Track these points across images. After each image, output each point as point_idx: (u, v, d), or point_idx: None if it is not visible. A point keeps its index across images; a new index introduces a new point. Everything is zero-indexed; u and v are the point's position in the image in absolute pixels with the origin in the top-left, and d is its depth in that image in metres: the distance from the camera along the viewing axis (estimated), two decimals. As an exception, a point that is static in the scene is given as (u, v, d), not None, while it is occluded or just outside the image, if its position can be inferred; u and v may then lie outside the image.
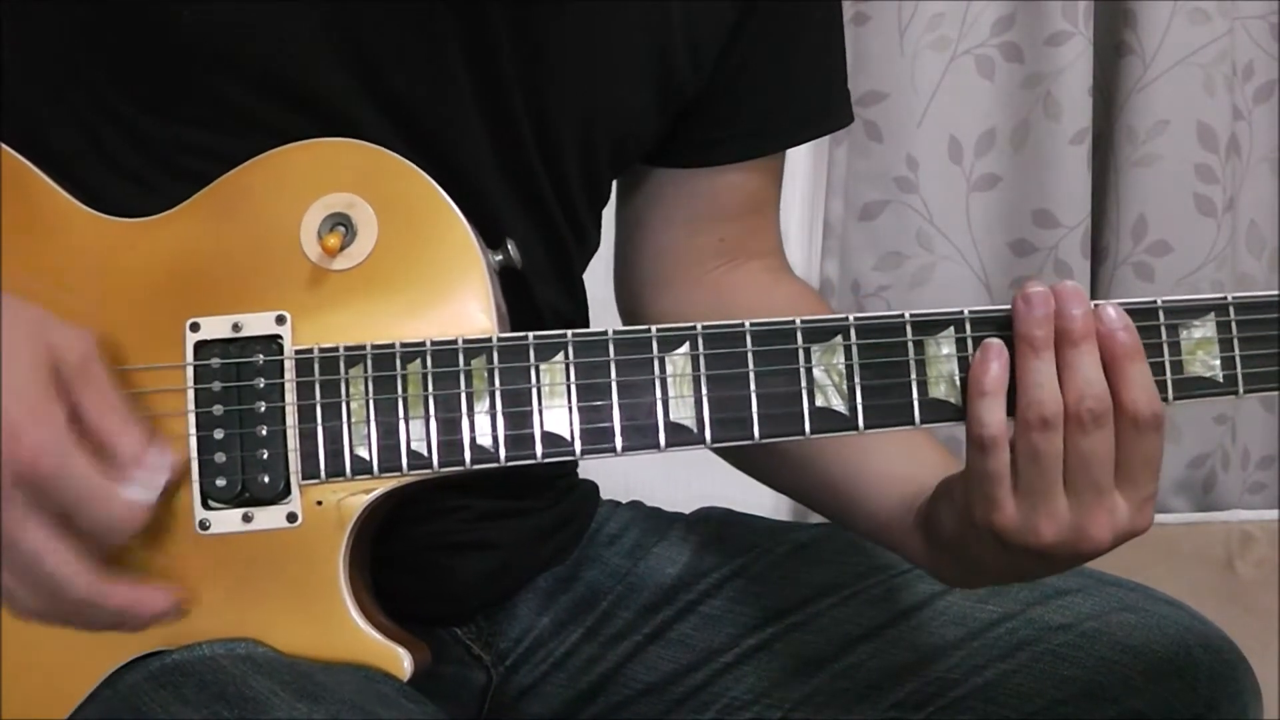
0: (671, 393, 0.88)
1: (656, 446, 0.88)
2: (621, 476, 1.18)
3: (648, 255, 1.17)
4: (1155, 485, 0.88)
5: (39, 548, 0.80)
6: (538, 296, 1.04)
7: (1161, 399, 0.88)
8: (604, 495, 1.21)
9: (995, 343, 0.87)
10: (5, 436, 0.78)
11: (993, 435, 0.86)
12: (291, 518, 0.88)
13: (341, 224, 0.90)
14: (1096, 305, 0.87)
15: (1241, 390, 0.90)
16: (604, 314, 1.18)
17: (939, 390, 0.89)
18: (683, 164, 1.13)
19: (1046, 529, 0.87)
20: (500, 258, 0.94)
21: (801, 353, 0.88)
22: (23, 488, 0.79)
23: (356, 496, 0.89)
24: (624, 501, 1.21)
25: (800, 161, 1.87)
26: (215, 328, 0.89)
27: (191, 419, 0.88)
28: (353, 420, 0.88)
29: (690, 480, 1.33)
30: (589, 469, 1.17)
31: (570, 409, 0.88)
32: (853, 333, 0.89)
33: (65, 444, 0.79)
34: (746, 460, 1.13)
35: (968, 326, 0.89)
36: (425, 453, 0.88)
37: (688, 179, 1.14)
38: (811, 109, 1.16)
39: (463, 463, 0.88)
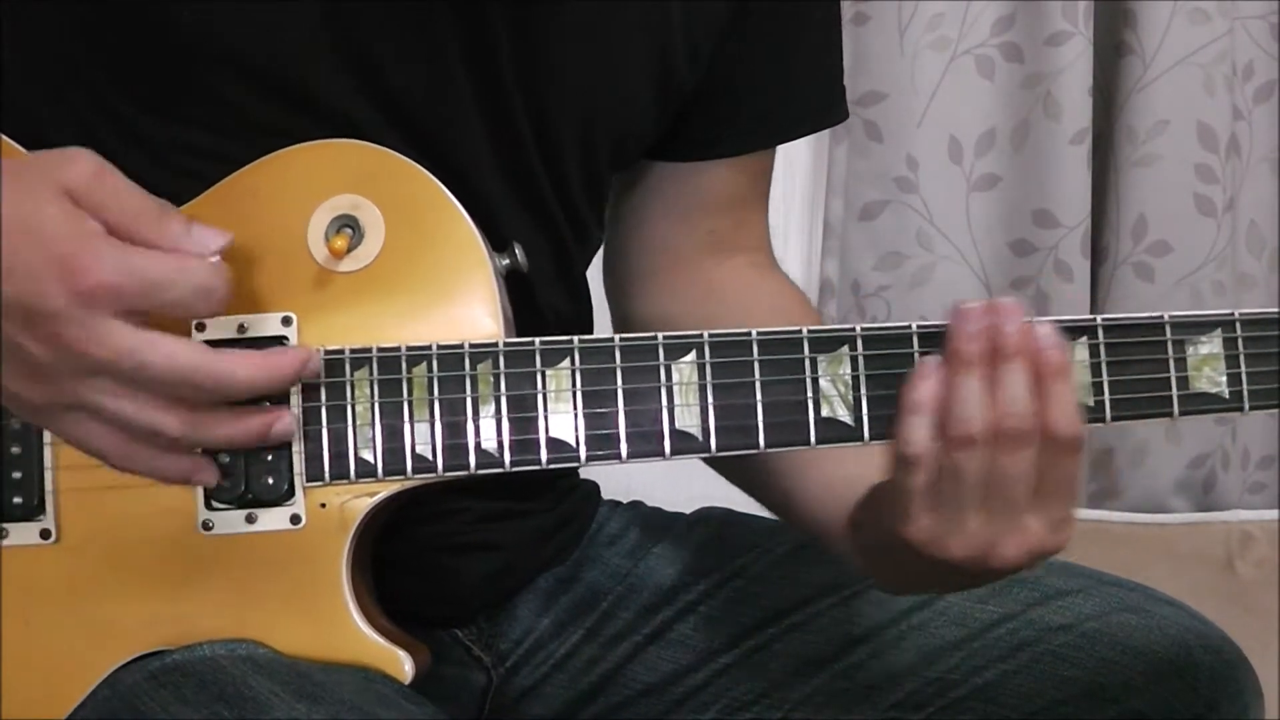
0: (677, 400, 0.88)
1: (661, 454, 0.88)
2: (622, 477, 1.19)
3: (636, 247, 1.17)
4: (1072, 507, 0.87)
5: (142, 349, 0.79)
6: (539, 297, 1.03)
7: (1167, 415, 0.88)
8: (604, 496, 1.21)
9: (932, 361, 0.86)
10: (61, 271, 0.78)
11: (916, 454, 0.85)
12: (295, 519, 0.89)
13: (348, 226, 0.90)
14: (1030, 322, 0.86)
15: (1247, 407, 0.89)
16: (607, 313, 1.19)
17: (945, 399, 0.89)
18: (677, 158, 1.13)
19: (956, 545, 0.86)
20: (506, 261, 0.94)
21: (808, 362, 0.88)
22: (98, 309, 0.78)
23: (360, 499, 0.89)
24: (624, 502, 1.21)
25: (800, 161, 1.87)
26: (221, 328, 0.88)
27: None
28: (358, 423, 0.88)
29: (690, 480, 1.32)
30: (590, 470, 1.17)
31: (576, 415, 0.88)
32: (859, 343, 0.88)
33: (116, 249, 0.79)
34: None
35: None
36: (430, 456, 0.88)
37: (680, 172, 1.14)
38: (808, 106, 1.16)
39: (467, 467, 0.88)
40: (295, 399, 0.88)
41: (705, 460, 1.03)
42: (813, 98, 1.15)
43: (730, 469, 1.09)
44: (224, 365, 0.81)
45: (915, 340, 0.88)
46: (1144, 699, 1.02)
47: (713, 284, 1.15)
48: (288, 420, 0.86)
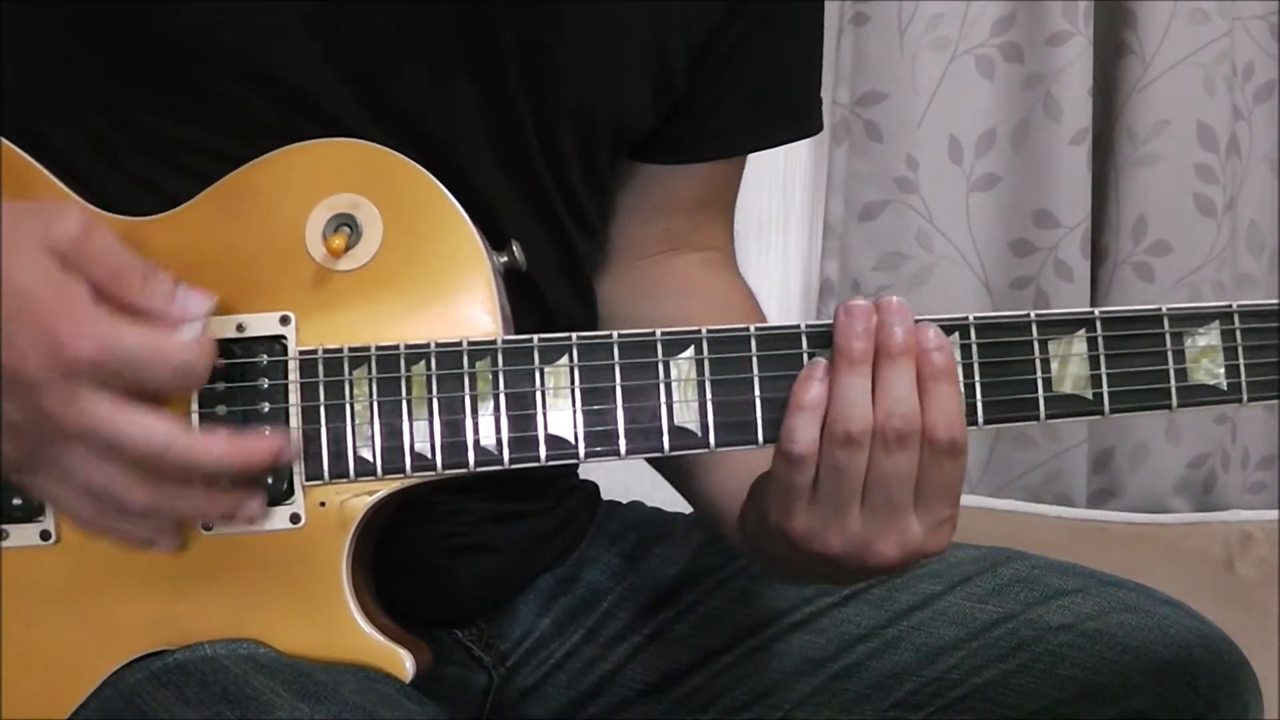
0: (675, 396, 0.88)
1: (660, 450, 0.88)
2: (622, 477, 1.18)
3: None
4: (953, 510, 0.88)
5: (119, 424, 0.79)
6: (546, 295, 1.04)
7: (1165, 407, 0.88)
8: (604, 496, 1.21)
9: (823, 362, 0.86)
10: (44, 339, 0.78)
11: (800, 453, 0.86)
12: (295, 518, 0.89)
13: (346, 225, 0.90)
14: (918, 322, 0.86)
15: (1245, 399, 0.89)
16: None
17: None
18: (649, 160, 1.13)
19: (835, 541, 0.87)
20: (505, 259, 0.94)
21: (806, 357, 0.88)
22: (80, 380, 0.78)
23: (360, 498, 0.89)
24: (624, 502, 1.21)
25: (800, 161, 1.87)
26: (219, 328, 0.88)
27: (195, 419, 0.88)
28: (356, 421, 0.88)
29: (690, 481, 1.33)
30: (589, 470, 1.17)
31: (574, 412, 0.88)
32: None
33: (100, 319, 0.79)
34: None
35: (973, 333, 0.89)
36: (429, 454, 0.88)
37: (649, 173, 1.14)
38: (783, 117, 1.16)
39: (466, 465, 0.88)
40: (294, 397, 0.88)
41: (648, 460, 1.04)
42: (786, 107, 1.16)
43: (660, 465, 1.10)
44: (198, 446, 0.82)
45: (913, 335, 0.89)
46: (1144, 699, 1.02)
47: (657, 280, 1.15)
48: (255, 506, 0.86)
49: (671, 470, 1.09)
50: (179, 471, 0.82)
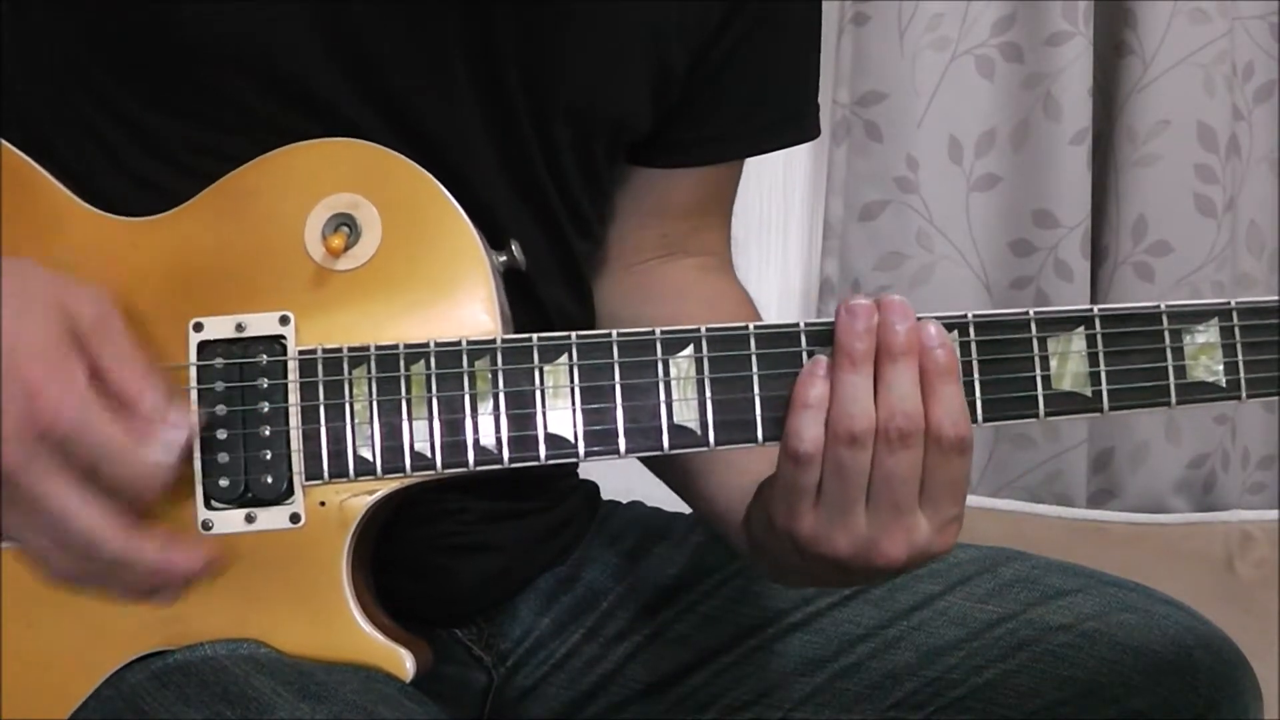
0: (675, 395, 0.88)
1: (660, 449, 0.88)
2: (622, 477, 1.18)
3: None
4: (959, 508, 0.88)
5: (66, 505, 0.80)
6: (544, 296, 1.04)
7: (1164, 404, 0.88)
8: (604, 496, 1.21)
9: (824, 359, 0.86)
10: (26, 395, 0.78)
11: (807, 451, 0.85)
12: (294, 518, 0.88)
13: (345, 224, 0.90)
14: (920, 319, 0.86)
15: (1244, 395, 0.89)
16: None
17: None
18: (646, 163, 1.13)
19: (841, 542, 0.86)
20: (504, 258, 0.94)
21: (805, 355, 0.88)
22: (46, 446, 0.79)
23: (359, 497, 0.89)
24: (624, 502, 1.21)
25: (800, 161, 1.87)
26: (219, 328, 0.89)
27: (195, 420, 0.88)
28: (356, 421, 0.88)
29: (690, 480, 1.33)
30: (589, 469, 1.17)
31: (574, 411, 0.88)
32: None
33: (86, 401, 0.79)
34: None
35: (972, 331, 0.89)
36: (429, 454, 0.88)
37: (645, 176, 1.14)
38: (780, 121, 1.16)
39: (466, 464, 0.88)
40: (294, 397, 0.88)
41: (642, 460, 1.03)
42: (781, 112, 1.16)
43: (659, 469, 1.10)
44: (132, 551, 0.82)
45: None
46: (1144, 699, 1.02)
47: (653, 284, 1.15)
48: (169, 596, 0.86)
49: (673, 475, 1.09)
50: (108, 566, 0.82)
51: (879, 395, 0.85)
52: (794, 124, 1.17)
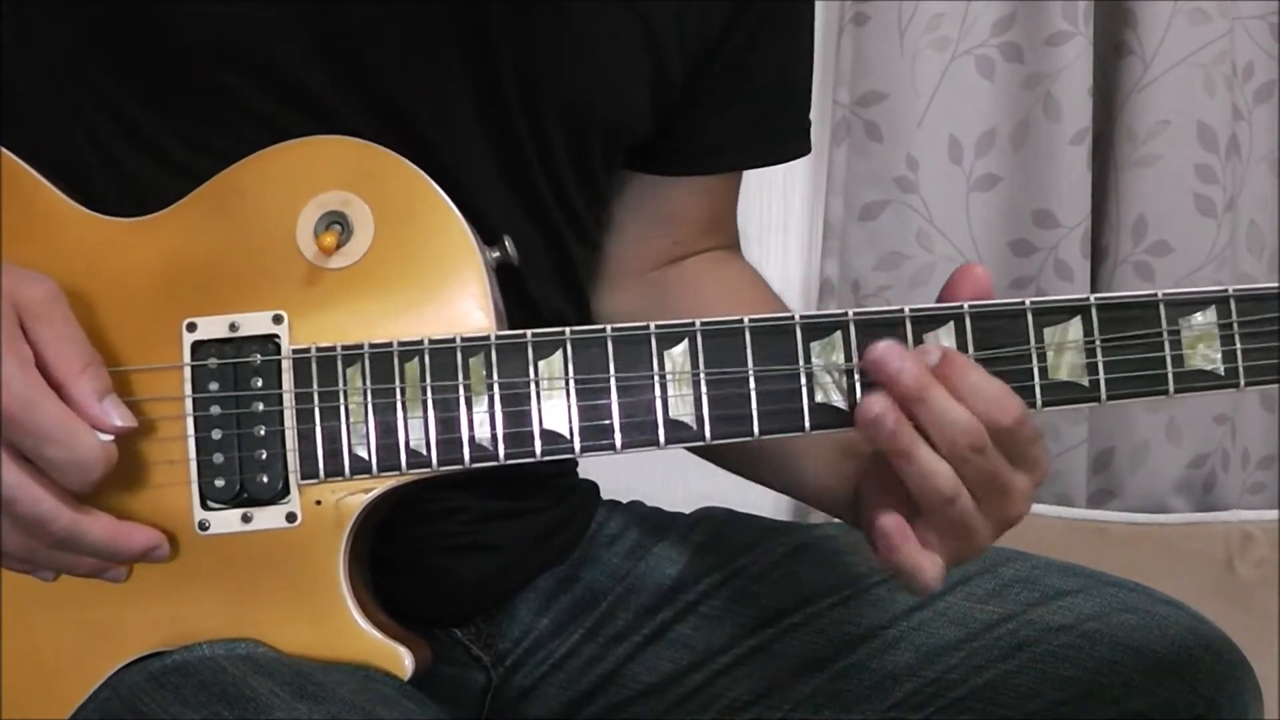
0: (671, 390, 0.88)
1: (656, 443, 0.88)
2: (622, 477, 1.18)
3: (598, 254, 1.17)
4: (1044, 454, 0.89)
5: (15, 482, 0.81)
6: (537, 295, 1.03)
7: (1162, 393, 0.88)
8: (604, 495, 1.21)
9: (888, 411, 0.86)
10: None
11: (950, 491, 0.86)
12: (291, 518, 0.88)
13: (337, 222, 0.90)
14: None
15: (1243, 383, 0.89)
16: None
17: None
18: (646, 170, 1.13)
19: (978, 545, 0.89)
20: (497, 255, 0.94)
21: (801, 349, 0.88)
22: None
23: (355, 496, 0.89)
24: (624, 501, 1.21)
25: (800, 162, 1.85)
26: (212, 328, 0.89)
27: (189, 420, 0.88)
28: (351, 420, 0.88)
29: (690, 480, 1.33)
30: (589, 469, 1.17)
31: (569, 406, 0.88)
32: (852, 328, 0.88)
33: (31, 384, 0.81)
34: None
35: (967, 322, 0.89)
36: (424, 451, 0.88)
37: (649, 184, 1.14)
38: (777, 135, 1.16)
39: (461, 461, 0.88)
40: (289, 398, 0.88)
41: (699, 452, 1.04)
42: (783, 129, 1.16)
43: (725, 458, 1.10)
44: (81, 525, 0.84)
45: (909, 325, 0.88)
46: (1144, 699, 1.02)
47: (670, 283, 1.16)
48: (119, 572, 0.88)
49: (756, 463, 1.10)
50: (59, 542, 0.84)
51: (932, 436, 0.85)
52: (795, 138, 1.18)
